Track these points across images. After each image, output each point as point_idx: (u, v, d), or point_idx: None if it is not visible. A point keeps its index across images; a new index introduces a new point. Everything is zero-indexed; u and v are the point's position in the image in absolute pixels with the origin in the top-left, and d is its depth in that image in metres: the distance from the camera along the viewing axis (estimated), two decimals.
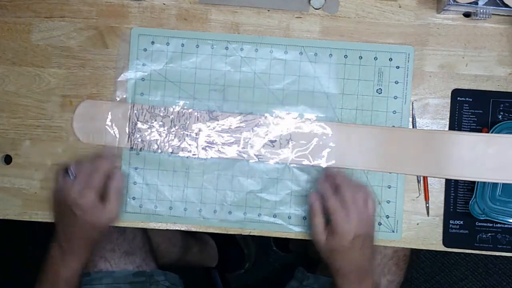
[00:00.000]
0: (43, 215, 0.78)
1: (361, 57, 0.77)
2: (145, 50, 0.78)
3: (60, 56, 0.78)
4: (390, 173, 0.77)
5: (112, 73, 0.78)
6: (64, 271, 0.70)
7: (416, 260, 1.40)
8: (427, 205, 0.77)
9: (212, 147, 0.77)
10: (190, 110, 0.77)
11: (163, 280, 0.91)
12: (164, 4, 0.78)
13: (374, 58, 0.77)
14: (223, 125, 0.77)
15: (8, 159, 0.78)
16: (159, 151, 0.77)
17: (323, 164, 0.76)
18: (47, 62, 0.78)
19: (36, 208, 0.78)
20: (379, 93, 0.77)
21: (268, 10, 0.78)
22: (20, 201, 0.78)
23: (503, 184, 0.75)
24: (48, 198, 0.77)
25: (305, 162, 0.77)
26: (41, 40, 0.78)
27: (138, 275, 0.88)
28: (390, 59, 0.77)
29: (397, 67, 0.77)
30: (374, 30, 0.78)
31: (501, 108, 0.77)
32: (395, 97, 0.77)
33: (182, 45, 0.78)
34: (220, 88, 0.78)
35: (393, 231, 0.77)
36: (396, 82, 0.77)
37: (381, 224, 0.77)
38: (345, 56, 0.78)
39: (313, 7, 0.78)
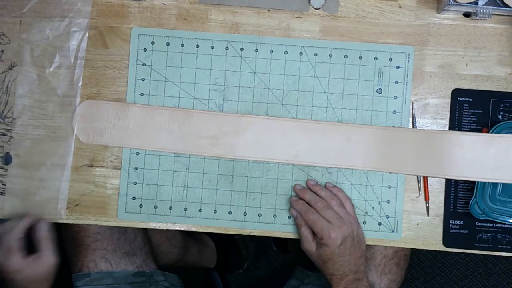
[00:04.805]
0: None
1: (361, 57, 0.77)
2: (145, 50, 0.78)
3: (60, 56, 0.78)
4: (390, 173, 0.77)
5: (112, 73, 0.78)
6: None
7: (416, 260, 1.40)
8: (427, 205, 0.77)
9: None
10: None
11: (162, 281, 0.91)
12: (164, 4, 0.78)
13: (374, 58, 0.77)
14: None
15: (8, 159, 0.78)
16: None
17: (325, 164, 0.77)
18: (47, 62, 0.78)
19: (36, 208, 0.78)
20: (379, 93, 0.77)
21: (268, 10, 0.78)
22: (20, 201, 0.78)
23: (503, 184, 0.75)
24: (48, 198, 0.77)
25: (307, 163, 0.77)
26: (41, 40, 0.78)
27: (138, 275, 0.88)
28: (390, 59, 0.77)
29: (397, 67, 0.77)
30: (374, 30, 0.78)
31: (501, 108, 0.77)
32: (395, 97, 0.77)
33: (182, 45, 0.78)
34: (220, 88, 0.78)
35: (393, 231, 0.77)
36: (396, 82, 0.77)
37: (381, 224, 0.77)
38: (345, 56, 0.78)
39: (313, 7, 0.78)
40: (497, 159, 0.74)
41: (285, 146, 0.77)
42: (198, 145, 0.77)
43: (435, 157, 0.75)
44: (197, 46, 0.78)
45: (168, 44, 0.78)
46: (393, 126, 0.77)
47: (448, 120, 0.77)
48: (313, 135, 0.77)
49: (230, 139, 0.77)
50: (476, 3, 0.73)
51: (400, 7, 0.78)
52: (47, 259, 0.72)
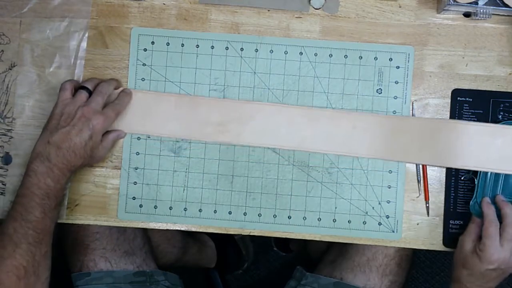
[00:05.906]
0: None
1: (361, 57, 0.77)
2: (145, 50, 0.78)
3: (60, 56, 0.78)
4: (395, 161, 0.76)
5: (112, 73, 0.78)
6: (54, 184, 0.68)
7: (416, 260, 1.40)
8: (427, 205, 0.77)
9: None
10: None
11: (163, 280, 0.91)
12: (164, 4, 0.78)
13: (374, 58, 0.77)
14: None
15: (8, 159, 0.78)
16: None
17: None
18: (47, 62, 0.78)
19: None
20: (379, 93, 0.77)
21: (268, 10, 0.78)
22: None
23: (504, 184, 0.75)
24: None
25: (312, 150, 0.77)
26: (41, 40, 0.78)
27: (138, 274, 0.88)
28: (390, 59, 0.77)
29: (397, 67, 0.77)
30: (374, 30, 0.78)
31: (501, 108, 0.77)
32: (395, 97, 0.77)
33: (182, 45, 0.78)
34: (220, 88, 0.78)
35: (393, 231, 0.77)
36: (396, 82, 0.77)
37: (381, 224, 0.77)
38: (345, 56, 0.78)
39: (313, 7, 0.78)
40: (501, 149, 0.74)
41: (291, 132, 0.76)
42: (205, 132, 0.77)
43: (439, 146, 0.75)
44: (197, 46, 0.78)
45: (168, 44, 0.78)
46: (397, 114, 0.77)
47: None
48: (319, 123, 0.76)
49: (236, 125, 0.77)
50: (476, 3, 0.73)
51: (400, 7, 0.78)
52: (106, 116, 0.72)
